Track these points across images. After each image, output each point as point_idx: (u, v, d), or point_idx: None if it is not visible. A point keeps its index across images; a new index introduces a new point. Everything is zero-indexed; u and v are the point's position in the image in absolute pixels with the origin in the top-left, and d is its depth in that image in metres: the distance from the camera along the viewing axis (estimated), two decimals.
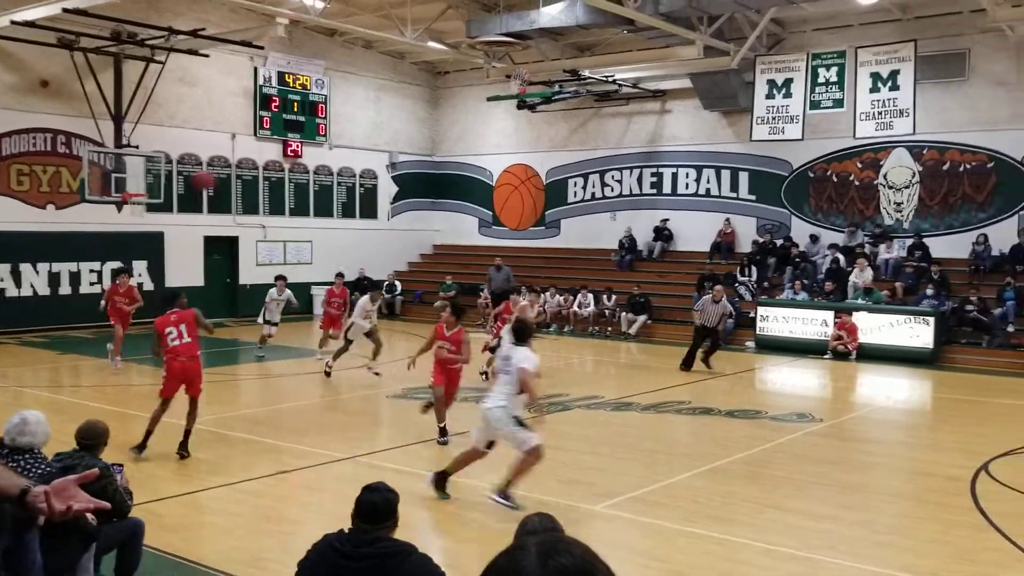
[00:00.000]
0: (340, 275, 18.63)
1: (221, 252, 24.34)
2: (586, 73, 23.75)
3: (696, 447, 11.25)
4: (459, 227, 29.50)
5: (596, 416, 12.71)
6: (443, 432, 10.64)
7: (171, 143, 22.78)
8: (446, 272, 26.68)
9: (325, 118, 26.41)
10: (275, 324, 17.76)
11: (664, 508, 8.28)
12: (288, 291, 17.96)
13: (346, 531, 3.97)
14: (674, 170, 25.27)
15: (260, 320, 17.95)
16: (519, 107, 25.96)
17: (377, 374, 15.00)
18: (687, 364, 16.78)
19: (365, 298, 15.95)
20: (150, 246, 22.41)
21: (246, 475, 9.15)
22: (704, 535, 7.48)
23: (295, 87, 25.49)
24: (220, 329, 21.78)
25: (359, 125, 27.54)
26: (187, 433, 9.71)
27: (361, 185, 27.67)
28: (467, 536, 7.69)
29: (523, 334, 8.32)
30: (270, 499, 8.65)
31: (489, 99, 26.85)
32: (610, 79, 24.02)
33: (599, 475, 9.48)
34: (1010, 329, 18.39)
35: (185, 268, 23.05)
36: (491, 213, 28.97)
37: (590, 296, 23.12)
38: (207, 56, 21.88)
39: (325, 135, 26.47)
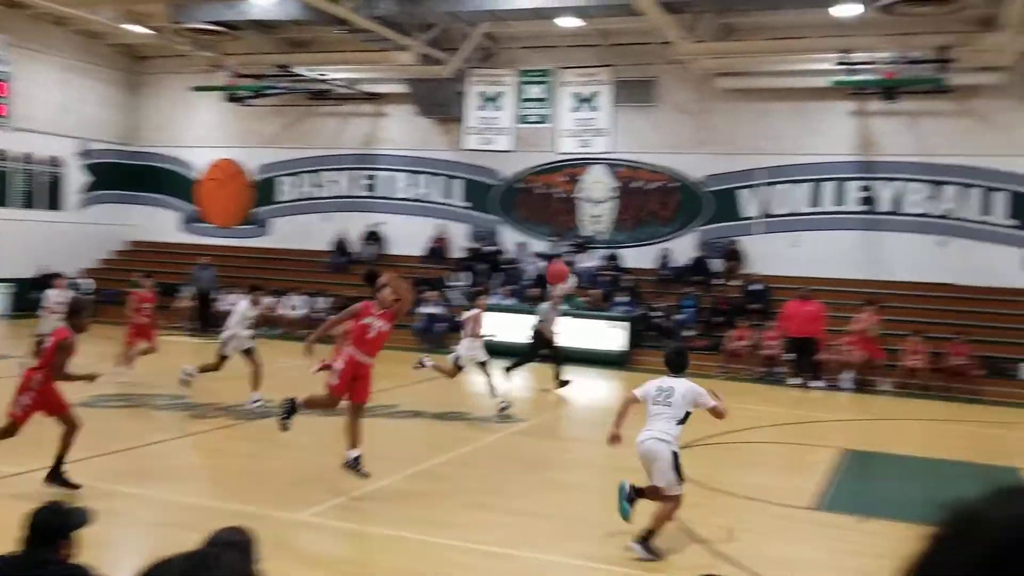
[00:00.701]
0: (149, 275, 15.94)
1: None
2: (299, 70, 23.23)
3: (405, 450, 11.31)
4: (158, 222, 27.64)
5: (304, 422, 12.37)
6: (357, 462, 8.76)
7: None
8: (141, 270, 24.84)
9: (6, 98, 23.72)
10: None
11: (370, 513, 8.22)
12: (72, 292, 15.36)
13: (14, 555, 3.52)
14: (389, 174, 25.36)
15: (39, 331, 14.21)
16: (228, 99, 24.86)
17: (258, 400, 12.59)
18: (511, 369, 16.52)
19: (245, 303, 13.12)
20: None
21: None
22: (409, 538, 7.50)
23: None
24: None
25: (45, 108, 25.01)
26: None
27: (47, 173, 25.16)
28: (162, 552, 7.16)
29: (680, 365, 7.43)
30: None
31: (195, 89, 25.38)
32: (323, 77, 23.65)
33: (306, 482, 9.24)
34: (689, 334, 20.30)
35: None
36: (194, 209, 27.47)
37: (295, 299, 22.66)
38: None
39: (6, 116, 23.77)
